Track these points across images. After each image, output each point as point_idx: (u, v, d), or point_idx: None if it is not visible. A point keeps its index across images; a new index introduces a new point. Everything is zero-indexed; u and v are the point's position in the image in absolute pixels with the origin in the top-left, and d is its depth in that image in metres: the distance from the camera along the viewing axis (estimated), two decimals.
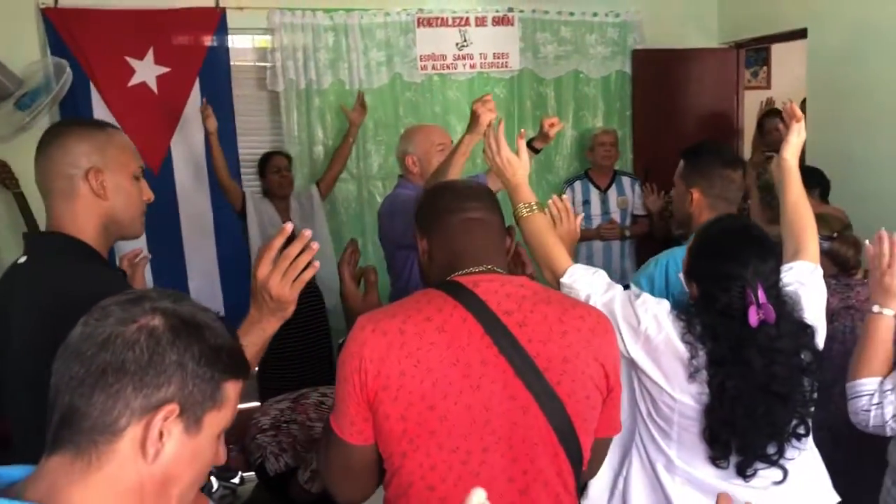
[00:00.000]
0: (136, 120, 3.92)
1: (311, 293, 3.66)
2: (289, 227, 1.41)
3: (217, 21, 4.18)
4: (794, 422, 1.71)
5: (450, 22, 4.59)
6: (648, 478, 1.84)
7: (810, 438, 1.78)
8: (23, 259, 1.55)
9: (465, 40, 4.62)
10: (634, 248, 4.62)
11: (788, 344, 1.67)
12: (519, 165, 1.96)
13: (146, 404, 0.87)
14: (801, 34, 4.32)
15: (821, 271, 1.94)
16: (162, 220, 3.97)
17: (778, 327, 1.65)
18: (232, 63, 4.27)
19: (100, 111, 3.98)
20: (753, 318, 1.62)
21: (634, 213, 4.63)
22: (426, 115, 4.55)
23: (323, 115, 4.41)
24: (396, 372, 1.34)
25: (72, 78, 3.78)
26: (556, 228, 2.09)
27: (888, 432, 1.95)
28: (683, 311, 1.73)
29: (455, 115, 4.62)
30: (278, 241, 1.40)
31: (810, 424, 1.74)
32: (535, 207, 1.92)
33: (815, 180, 3.34)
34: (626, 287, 1.87)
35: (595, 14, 4.82)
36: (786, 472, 1.72)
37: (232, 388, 0.96)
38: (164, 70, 4.12)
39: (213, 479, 2.36)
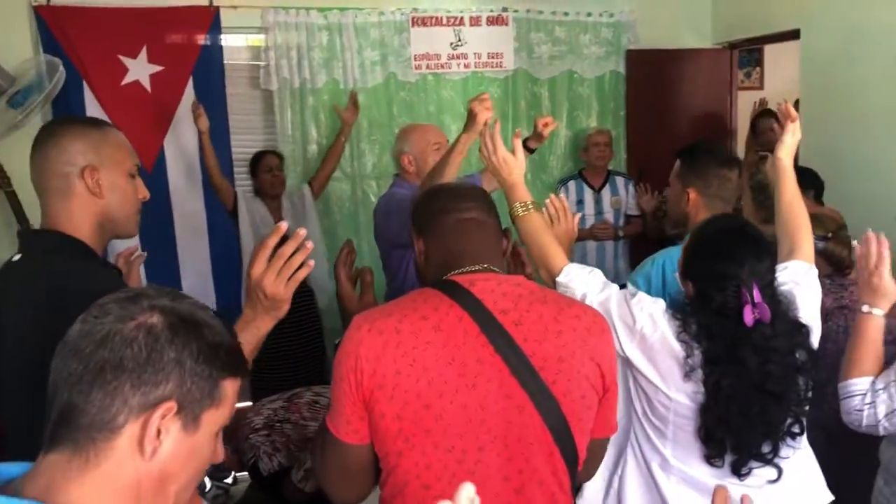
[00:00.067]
0: (129, 118, 3.88)
1: (303, 293, 3.65)
2: (283, 226, 1.41)
3: (211, 19, 4.17)
4: (789, 421, 1.72)
5: (444, 21, 4.59)
6: (644, 477, 1.84)
7: (805, 437, 1.79)
8: (17, 257, 1.55)
9: (460, 40, 4.62)
10: (628, 248, 4.63)
11: (783, 343, 1.68)
12: (515, 165, 1.96)
13: (144, 402, 0.87)
14: (794, 35, 4.33)
15: (816, 271, 1.96)
16: (155, 218, 3.94)
17: (773, 326, 1.66)
18: (225, 62, 4.26)
19: (93, 109, 3.96)
20: (749, 317, 1.63)
21: (628, 213, 4.63)
22: (420, 114, 4.54)
23: (317, 115, 4.40)
24: (392, 371, 1.34)
25: (64, 76, 3.76)
26: (553, 227, 2.10)
27: (881, 432, 1.96)
28: (679, 310, 1.74)
29: (449, 114, 4.62)
30: (273, 240, 1.41)
31: (805, 423, 1.75)
32: (531, 207, 1.92)
33: (809, 181, 3.34)
34: (623, 287, 1.88)
35: (589, 14, 4.83)
36: (780, 471, 1.73)
37: (230, 386, 0.96)
38: (158, 68, 4.10)
39: (206, 478, 2.35)
